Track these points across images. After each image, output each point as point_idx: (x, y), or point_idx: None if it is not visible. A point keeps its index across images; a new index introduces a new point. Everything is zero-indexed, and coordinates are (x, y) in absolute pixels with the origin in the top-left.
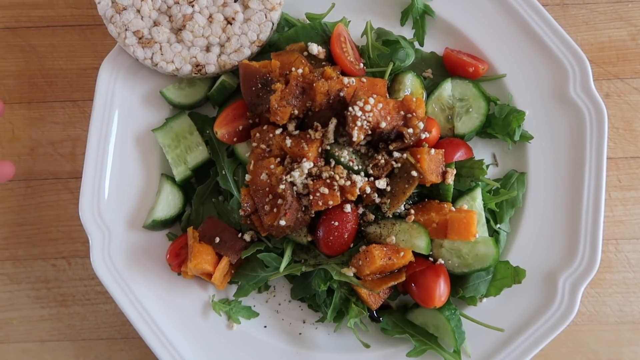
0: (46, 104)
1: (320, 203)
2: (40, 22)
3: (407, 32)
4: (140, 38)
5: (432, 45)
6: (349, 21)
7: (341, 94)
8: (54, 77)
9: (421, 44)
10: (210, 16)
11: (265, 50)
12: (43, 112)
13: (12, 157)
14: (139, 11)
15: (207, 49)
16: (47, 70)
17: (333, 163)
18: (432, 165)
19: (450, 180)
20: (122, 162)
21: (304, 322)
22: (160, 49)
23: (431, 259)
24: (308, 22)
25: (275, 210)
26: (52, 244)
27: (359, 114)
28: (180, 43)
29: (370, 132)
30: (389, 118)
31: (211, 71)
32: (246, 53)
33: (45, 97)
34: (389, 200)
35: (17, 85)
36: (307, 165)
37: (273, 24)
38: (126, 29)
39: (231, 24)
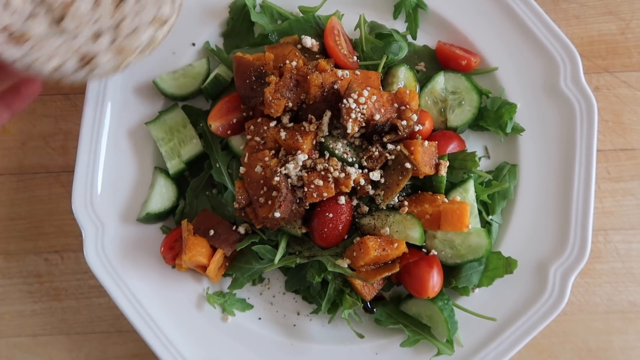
0: (37, 97)
1: (314, 195)
2: None
3: (400, 25)
4: (10, 34)
5: (425, 38)
6: (342, 14)
7: (335, 86)
8: None
9: (414, 37)
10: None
11: (259, 44)
12: (34, 105)
13: (2, 150)
14: (8, 3)
15: (96, 37)
16: None
17: (327, 155)
18: (425, 157)
19: (443, 172)
20: (115, 155)
21: (299, 314)
22: (37, 44)
23: (424, 250)
24: (301, 15)
25: (269, 202)
26: (45, 238)
27: (353, 106)
28: (62, 35)
29: (364, 124)
30: (382, 110)
31: (103, 61)
32: (145, 35)
33: None
34: (382, 192)
35: None
36: (301, 157)
37: None
38: None
39: (122, 2)
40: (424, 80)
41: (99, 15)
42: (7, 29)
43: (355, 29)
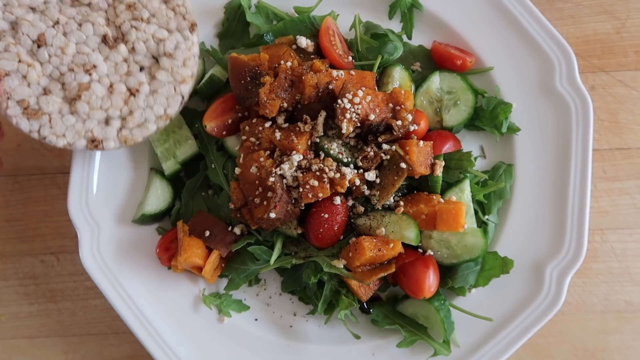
0: None
1: (310, 195)
2: None
3: (396, 25)
4: (25, 108)
5: (420, 38)
6: (338, 15)
7: (330, 86)
8: None
9: (409, 37)
10: (111, 86)
11: (254, 44)
12: None
13: None
14: (25, 77)
15: (106, 122)
16: None
17: (322, 155)
18: (420, 157)
19: (439, 172)
20: (110, 156)
21: (295, 315)
22: (50, 120)
23: (420, 250)
24: (296, 15)
25: (265, 203)
26: (41, 240)
27: (348, 106)
28: (74, 115)
29: (359, 124)
30: (377, 110)
31: (110, 147)
32: (151, 128)
33: None
34: (378, 192)
35: None
36: (296, 157)
37: (183, 97)
38: (8, 98)
39: (135, 95)
40: (419, 80)
41: (111, 103)
42: (22, 103)
43: (350, 29)
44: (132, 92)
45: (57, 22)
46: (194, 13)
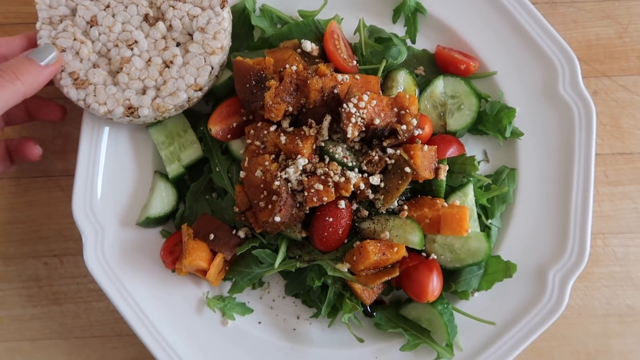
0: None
1: (314, 199)
2: (30, 19)
3: (399, 29)
4: (75, 79)
5: (424, 42)
6: (342, 18)
7: (335, 90)
8: None
9: (413, 42)
10: (149, 59)
11: (259, 47)
12: None
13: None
14: (77, 53)
15: (143, 92)
16: None
17: (327, 159)
18: (425, 161)
19: (443, 176)
20: (115, 159)
21: (298, 318)
22: (94, 90)
23: (424, 254)
24: (301, 19)
25: (269, 206)
26: (44, 242)
27: (353, 110)
28: (116, 85)
29: (364, 128)
30: (382, 115)
31: (144, 114)
32: (182, 97)
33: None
34: (382, 196)
35: None
36: (301, 161)
37: (212, 67)
38: (62, 70)
39: (169, 67)
40: (423, 85)
41: (147, 74)
42: (73, 75)
43: (354, 33)
44: (167, 64)
45: (107, 6)
46: None
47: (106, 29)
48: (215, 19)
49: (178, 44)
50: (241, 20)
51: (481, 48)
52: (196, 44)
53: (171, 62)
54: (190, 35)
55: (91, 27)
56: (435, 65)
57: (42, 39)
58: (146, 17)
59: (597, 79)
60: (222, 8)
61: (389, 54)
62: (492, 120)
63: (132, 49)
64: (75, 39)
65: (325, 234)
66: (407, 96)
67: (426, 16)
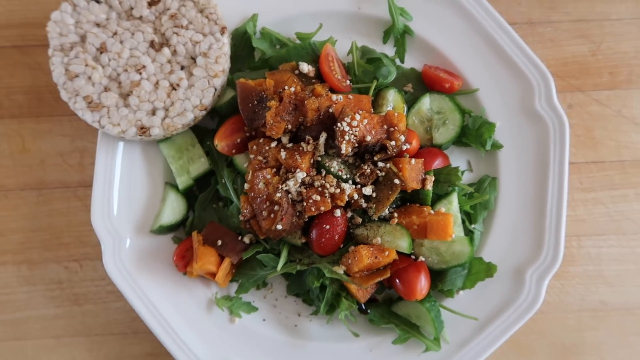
0: (54, 117)
1: (313, 209)
2: (46, 41)
3: (389, 49)
4: (89, 103)
5: (412, 61)
6: (336, 40)
7: (330, 110)
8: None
9: (402, 61)
10: (157, 82)
11: (260, 67)
12: (51, 125)
13: (23, 167)
14: (90, 78)
15: (153, 112)
16: (54, 85)
17: (324, 173)
18: (412, 173)
19: (429, 186)
20: (128, 172)
21: (299, 315)
22: (108, 112)
23: (413, 256)
24: (298, 41)
25: (272, 215)
26: (64, 248)
27: (347, 129)
28: (127, 107)
29: (356, 144)
30: (373, 132)
31: (155, 133)
32: (189, 116)
33: (53, 112)
34: (374, 205)
35: (25, 101)
36: (300, 175)
37: (216, 89)
38: (77, 95)
39: (176, 89)
40: (411, 101)
41: (156, 96)
42: (87, 99)
43: (348, 54)
44: (174, 87)
45: (115, 33)
46: (223, 19)
47: (115, 55)
48: (217, 44)
49: (182, 67)
50: (243, 43)
51: (464, 67)
52: (200, 68)
53: (177, 84)
54: (194, 59)
55: (101, 53)
56: (422, 83)
57: (54, 65)
58: (152, 43)
59: (572, 94)
60: (222, 34)
61: (379, 73)
62: (474, 134)
63: (140, 73)
64: (87, 65)
65: (323, 239)
66: (396, 114)
67: (414, 37)
